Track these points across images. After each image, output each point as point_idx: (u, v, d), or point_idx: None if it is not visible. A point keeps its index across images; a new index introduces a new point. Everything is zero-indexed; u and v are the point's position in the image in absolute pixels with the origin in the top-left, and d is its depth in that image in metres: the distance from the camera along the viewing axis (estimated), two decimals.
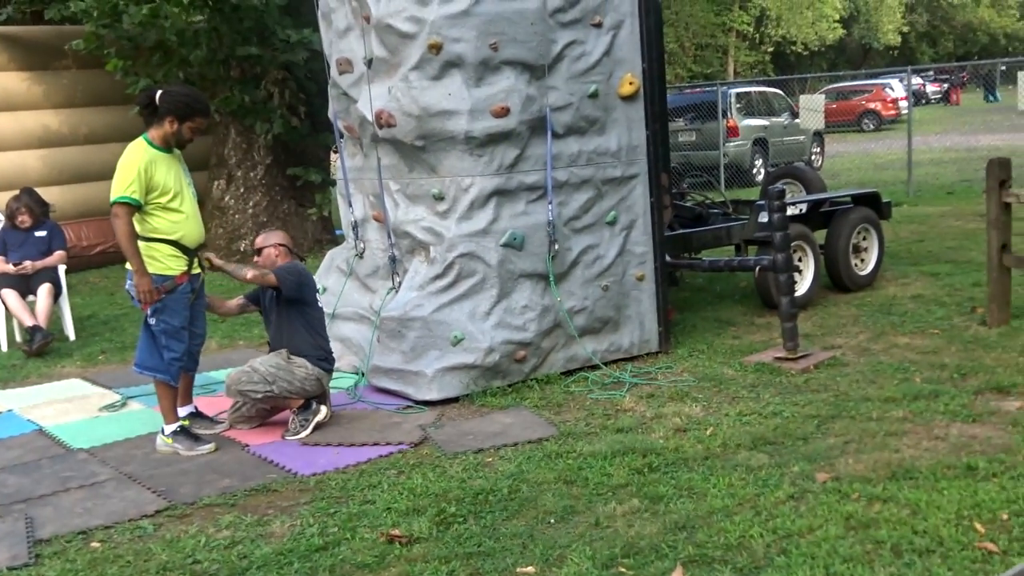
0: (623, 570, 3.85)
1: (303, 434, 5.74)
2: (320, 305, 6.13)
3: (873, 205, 9.01)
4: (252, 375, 5.74)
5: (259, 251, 6.11)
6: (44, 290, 8.60)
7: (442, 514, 4.48)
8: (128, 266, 5.51)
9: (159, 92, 5.53)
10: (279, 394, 5.76)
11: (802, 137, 20.56)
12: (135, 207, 5.35)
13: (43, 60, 13.01)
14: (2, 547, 4.40)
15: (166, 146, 5.54)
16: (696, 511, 4.34)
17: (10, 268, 8.66)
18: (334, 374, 6.22)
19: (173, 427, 5.63)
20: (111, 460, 5.58)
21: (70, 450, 5.83)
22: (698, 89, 22.76)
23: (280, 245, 6.10)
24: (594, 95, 6.71)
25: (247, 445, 5.68)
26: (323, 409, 5.89)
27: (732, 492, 4.52)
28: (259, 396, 5.76)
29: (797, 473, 4.71)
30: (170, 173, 5.48)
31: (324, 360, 5.96)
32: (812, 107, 18.27)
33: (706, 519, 4.26)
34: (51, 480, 5.31)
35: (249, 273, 5.84)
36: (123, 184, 5.33)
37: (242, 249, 12.62)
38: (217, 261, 5.86)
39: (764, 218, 7.77)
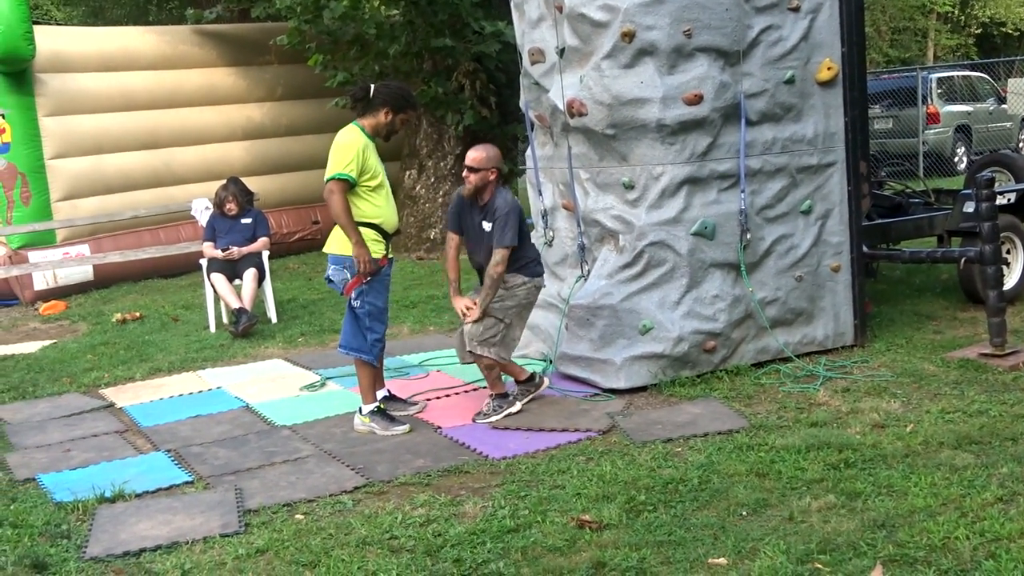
0: (819, 566, 3.76)
1: (493, 419, 5.84)
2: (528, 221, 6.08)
3: None
4: (484, 321, 5.80)
5: (473, 169, 5.88)
6: (249, 275, 9.02)
7: (632, 502, 4.48)
8: (328, 250, 5.75)
9: (374, 85, 5.80)
10: (510, 323, 5.84)
11: (1009, 124, 19.48)
12: (350, 185, 5.59)
13: (248, 56, 13.65)
14: (215, 515, 4.67)
15: (375, 135, 5.79)
16: (896, 510, 4.20)
17: (218, 253, 9.13)
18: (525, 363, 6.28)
19: (371, 407, 5.83)
20: (312, 437, 5.82)
21: (274, 426, 6.12)
22: (895, 74, 21.86)
23: (496, 169, 5.93)
24: (790, 81, 6.55)
25: (439, 427, 5.83)
26: (517, 405, 5.93)
27: (935, 492, 4.34)
28: (496, 338, 5.81)
29: (1006, 475, 4.48)
30: (377, 160, 5.72)
31: (534, 263, 6.03)
32: (1022, 91, 17.27)
33: (907, 518, 4.11)
34: (257, 454, 5.59)
35: (496, 273, 5.77)
36: (341, 162, 5.58)
37: (432, 237, 12.92)
38: (478, 306, 5.85)
39: (970, 208, 7.40)
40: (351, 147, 5.62)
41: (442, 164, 13.21)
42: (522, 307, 5.96)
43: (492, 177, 5.90)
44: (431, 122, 13.11)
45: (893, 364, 6.44)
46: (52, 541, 4.50)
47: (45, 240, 11.52)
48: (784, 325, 6.66)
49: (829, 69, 6.65)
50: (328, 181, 5.60)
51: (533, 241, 7.42)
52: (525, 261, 5.99)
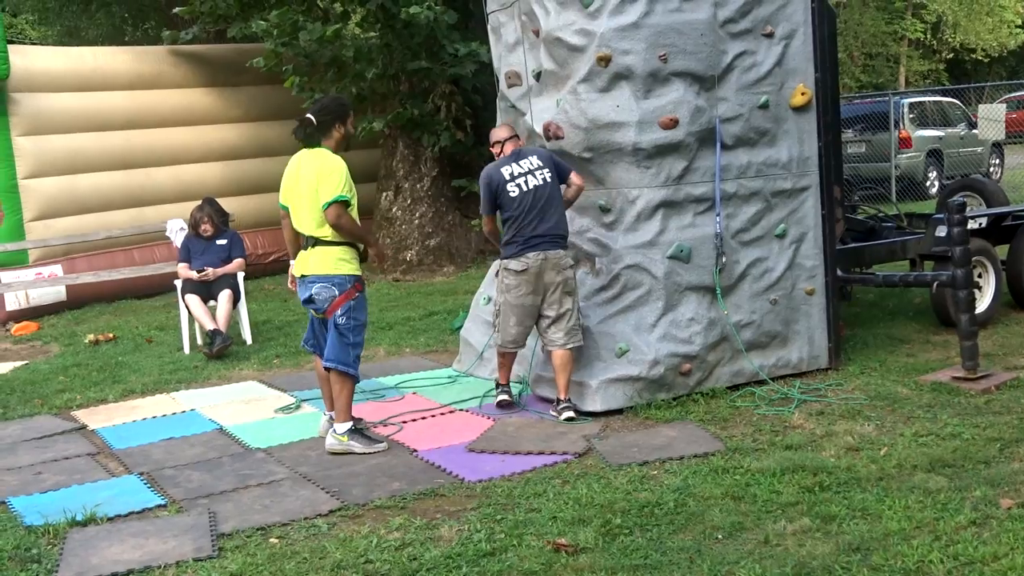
0: None
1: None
2: (514, 195, 6.20)
3: None
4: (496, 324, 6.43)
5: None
6: (224, 296, 8.98)
7: (608, 525, 4.47)
8: (309, 271, 5.74)
9: (311, 115, 5.81)
10: (499, 310, 6.38)
11: (980, 149, 19.70)
12: (347, 205, 5.71)
13: (224, 77, 13.62)
14: (188, 539, 4.63)
15: (336, 151, 5.86)
16: (871, 533, 4.21)
17: (193, 275, 9.08)
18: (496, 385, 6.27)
19: (347, 426, 5.81)
20: (287, 460, 5.79)
21: (248, 449, 6.08)
22: (868, 100, 22.07)
23: (497, 142, 6.50)
24: (765, 106, 6.61)
25: (415, 450, 5.81)
26: (569, 413, 6.17)
27: (909, 515, 4.36)
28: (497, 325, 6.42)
29: (979, 498, 4.51)
30: None
31: (506, 246, 6.31)
32: (992, 117, 17.46)
33: (882, 542, 4.12)
34: (231, 477, 5.55)
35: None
36: (338, 185, 5.65)
37: (408, 259, 12.91)
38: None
39: (942, 232, 7.48)
40: (341, 170, 5.70)
41: (418, 186, 13.21)
42: (501, 291, 6.32)
43: (493, 150, 6.51)
44: (407, 144, 13.13)
45: (867, 387, 6.48)
46: (22, 565, 4.45)
47: (18, 260, 11.43)
48: (759, 348, 6.70)
49: (803, 94, 6.72)
50: (329, 205, 5.62)
51: None
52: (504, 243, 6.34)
